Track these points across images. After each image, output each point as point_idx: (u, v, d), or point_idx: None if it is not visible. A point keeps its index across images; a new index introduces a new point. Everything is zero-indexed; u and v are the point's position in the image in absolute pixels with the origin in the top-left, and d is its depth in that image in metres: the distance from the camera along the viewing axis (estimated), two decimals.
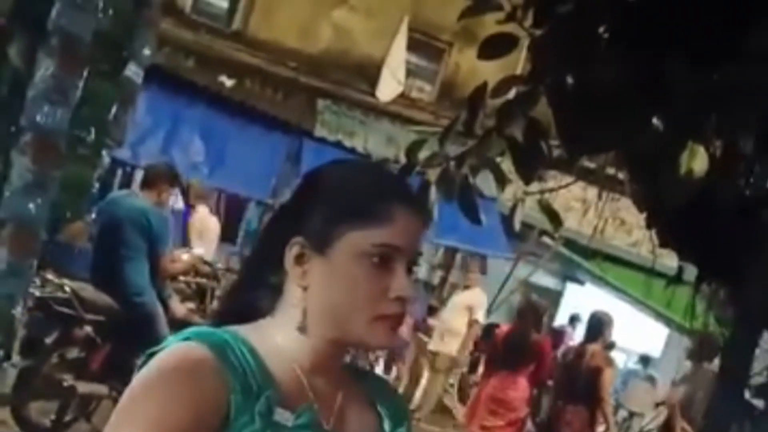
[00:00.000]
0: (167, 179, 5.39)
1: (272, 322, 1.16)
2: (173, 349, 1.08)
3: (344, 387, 1.19)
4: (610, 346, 6.50)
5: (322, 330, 1.14)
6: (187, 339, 1.09)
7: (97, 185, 3.44)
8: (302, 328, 1.14)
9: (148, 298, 5.07)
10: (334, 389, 1.17)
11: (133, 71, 3.34)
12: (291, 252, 1.14)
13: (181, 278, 6.25)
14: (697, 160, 2.38)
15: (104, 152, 3.36)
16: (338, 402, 1.17)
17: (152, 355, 1.10)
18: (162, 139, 8.17)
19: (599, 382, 6.19)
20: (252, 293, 1.18)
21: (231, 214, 9.70)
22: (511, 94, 2.85)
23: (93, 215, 5.16)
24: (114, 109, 3.28)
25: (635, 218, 10.10)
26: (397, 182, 1.25)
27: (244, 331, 1.13)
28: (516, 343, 6.55)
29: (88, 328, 4.86)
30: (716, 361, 5.53)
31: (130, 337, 4.76)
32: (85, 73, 3.06)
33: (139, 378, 1.08)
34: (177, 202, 6.83)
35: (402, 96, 11.19)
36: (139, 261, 5.08)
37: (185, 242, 7.02)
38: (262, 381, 1.09)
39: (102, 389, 4.98)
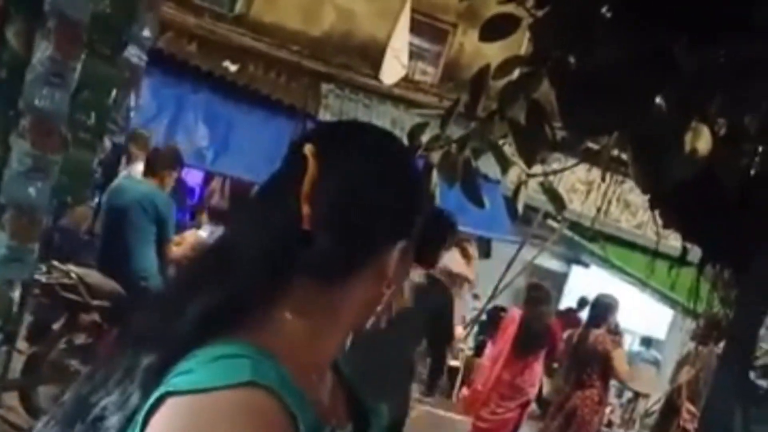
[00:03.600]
0: (171, 163, 5.39)
1: (285, 324, 0.99)
2: (239, 402, 0.86)
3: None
4: (614, 329, 6.51)
5: (344, 330, 1.06)
6: (245, 382, 0.87)
7: (99, 170, 3.43)
8: (321, 330, 1.02)
9: (155, 283, 5.08)
10: (325, 386, 1.07)
11: (134, 54, 3.31)
12: (395, 252, 1.04)
13: (186, 262, 6.26)
14: (701, 140, 2.36)
15: (106, 137, 3.35)
16: (329, 397, 1.06)
17: (168, 395, 0.88)
18: (166, 125, 8.17)
19: (611, 365, 6.21)
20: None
21: (236, 199, 9.72)
22: (514, 75, 2.83)
23: (95, 200, 5.17)
24: (114, 93, 3.26)
25: (640, 199, 10.08)
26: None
27: (260, 339, 0.95)
28: (532, 329, 6.57)
29: (94, 314, 4.88)
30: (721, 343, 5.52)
31: (129, 319, 4.76)
32: (83, 56, 3.04)
33: None
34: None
35: (405, 79, 11.15)
36: (146, 245, 5.11)
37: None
38: (311, 411, 0.93)
39: None
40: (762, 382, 2.64)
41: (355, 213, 1.00)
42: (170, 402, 0.86)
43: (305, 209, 0.98)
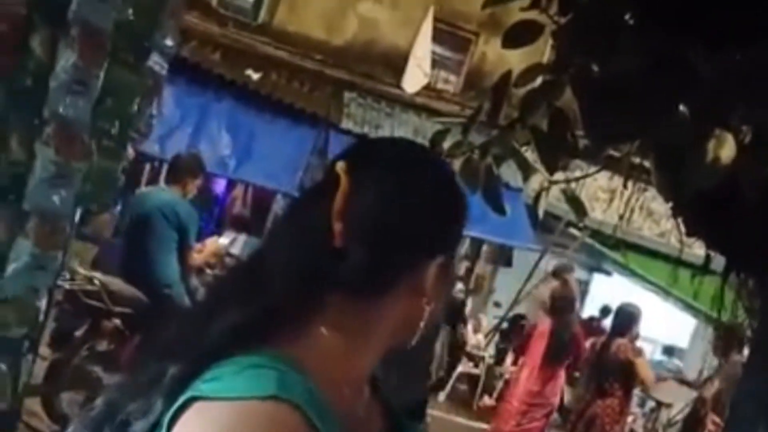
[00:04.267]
0: (193, 170, 5.42)
1: (318, 338, 0.99)
2: (262, 414, 0.86)
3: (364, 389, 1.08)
4: (635, 337, 6.46)
5: (382, 347, 1.04)
6: (270, 395, 0.86)
7: (122, 178, 3.45)
8: (357, 345, 1.01)
9: (177, 291, 5.11)
10: (361, 398, 1.05)
11: (156, 62, 3.33)
12: (431, 272, 1.03)
13: (209, 271, 6.29)
14: (725, 148, 2.34)
15: (129, 144, 3.37)
16: (364, 412, 1.05)
17: (194, 399, 0.88)
18: (190, 133, 8.22)
19: (635, 373, 6.16)
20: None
21: (258, 207, 9.76)
22: (537, 83, 2.82)
23: (119, 208, 5.21)
24: (138, 101, 3.28)
25: (663, 208, 10.00)
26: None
27: (292, 352, 0.94)
28: (561, 338, 6.55)
29: (116, 321, 4.91)
30: (746, 353, 5.46)
31: (158, 330, 4.79)
32: (106, 64, 3.06)
33: None
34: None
35: (428, 87, 11.16)
36: (169, 253, 5.13)
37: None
38: (338, 427, 0.91)
39: None
40: None
41: (386, 228, 1.00)
42: (196, 406, 0.87)
43: (337, 226, 0.98)
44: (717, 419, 6.14)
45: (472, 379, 10.29)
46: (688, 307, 11.89)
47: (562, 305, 6.80)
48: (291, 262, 0.98)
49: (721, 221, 2.65)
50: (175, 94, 7.96)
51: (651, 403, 11.38)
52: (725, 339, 6.58)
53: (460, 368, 10.09)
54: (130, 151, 3.42)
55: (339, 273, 0.97)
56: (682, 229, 2.87)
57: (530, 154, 3.20)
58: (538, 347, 6.75)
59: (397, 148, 1.10)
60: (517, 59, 3.15)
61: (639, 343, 6.63)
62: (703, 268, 2.98)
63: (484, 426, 7.74)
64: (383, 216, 1.00)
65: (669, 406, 10.89)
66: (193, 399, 0.88)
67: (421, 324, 1.03)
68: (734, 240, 2.68)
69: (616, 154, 3.79)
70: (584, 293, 14.45)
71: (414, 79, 10.72)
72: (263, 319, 0.95)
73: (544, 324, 6.87)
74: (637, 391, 7.05)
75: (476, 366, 10.23)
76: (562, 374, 6.71)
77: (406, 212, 1.01)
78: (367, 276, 0.98)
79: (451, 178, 1.11)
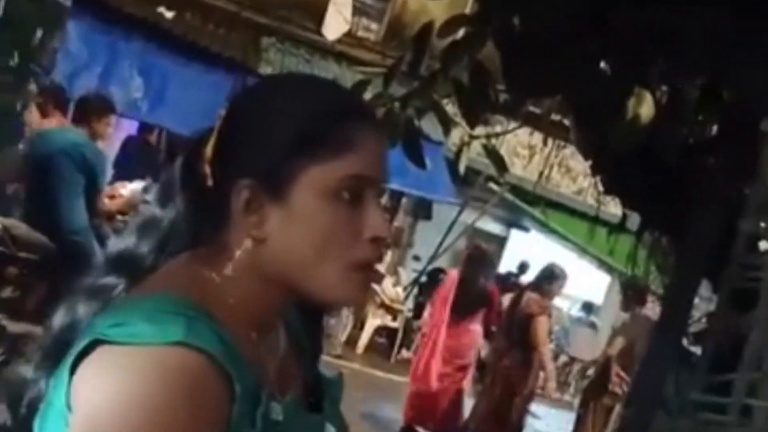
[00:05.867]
0: (102, 111, 5.17)
1: (217, 280, 0.95)
2: (170, 360, 0.83)
3: (280, 336, 1.05)
4: (548, 295, 6.59)
5: (281, 288, 0.96)
6: (178, 341, 0.83)
7: (25, 115, 3.26)
8: (256, 287, 0.96)
9: (86, 238, 4.90)
10: (275, 344, 1.02)
11: None
12: (239, 198, 0.93)
13: (119, 217, 6.08)
14: (644, 106, 2.35)
15: (31, 80, 3.18)
16: (280, 358, 1.01)
17: (98, 342, 0.85)
18: (99, 73, 7.85)
19: (532, 330, 6.29)
20: (176, 246, 0.98)
21: (172, 153, 9.46)
22: (459, 35, 2.78)
23: (21, 146, 4.95)
24: (39, 34, 3.08)
25: (581, 165, 10.18)
26: (353, 98, 1.01)
27: (196, 293, 0.91)
28: (467, 290, 6.59)
29: (21, 267, 4.71)
30: (656, 309, 5.65)
31: (66, 278, 4.62)
32: None
33: (117, 402, 0.82)
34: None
35: (348, 35, 10.96)
36: (76, 198, 4.89)
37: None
38: (249, 373, 0.89)
39: (36, 330, 4.85)
40: (695, 349, 2.68)
41: (229, 157, 0.96)
42: (100, 350, 0.84)
43: (206, 168, 0.96)
44: (622, 373, 6.35)
45: (390, 333, 10.38)
46: (604, 265, 12.23)
47: (473, 256, 6.88)
48: (185, 206, 0.98)
49: (637, 180, 2.68)
50: (82, 31, 7.61)
51: (564, 358, 11.76)
52: (631, 295, 6.81)
53: (378, 321, 10.16)
54: (33, 87, 3.23)
55: (223, 214, 0.95)
56: (600, 187, 2.89)
57: (451, 108, 3.17)
58: (444, 297, 6.82)
59: (265, 83, 1.07)
60: (439, 9, 3.09)
61: (556, 300, 6.78)
62: (619, 227, 3.02)
63: (402, 379, 7.82)
64: (226, 145, 0.96)
65: (582, 361, 11.28)
66: (98, 342, 0.84)
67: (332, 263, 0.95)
68: (649, 199, 2.71)
69: (537, 110, 3.80)
70: (502, 249, 14.70)
71: (334, 25, 10.51)
72: (165, 262, 0.96)
73: (454, 275, 6.94)
74: (552, 345, 7.22)
75: (395, 319, 10.32)
76: (476, 329, 6.75)
77: (252, 136, 0.96)
78: (234, 213, 0.95)
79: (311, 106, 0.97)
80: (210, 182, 0.96)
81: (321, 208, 0.93)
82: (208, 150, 0.97)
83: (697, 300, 2.64)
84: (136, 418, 0.81)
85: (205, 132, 1.00)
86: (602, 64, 2.41)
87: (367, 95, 2.91)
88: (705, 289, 2.79)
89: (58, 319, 0.96)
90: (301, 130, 0.93)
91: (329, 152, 0.93)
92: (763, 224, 2.40)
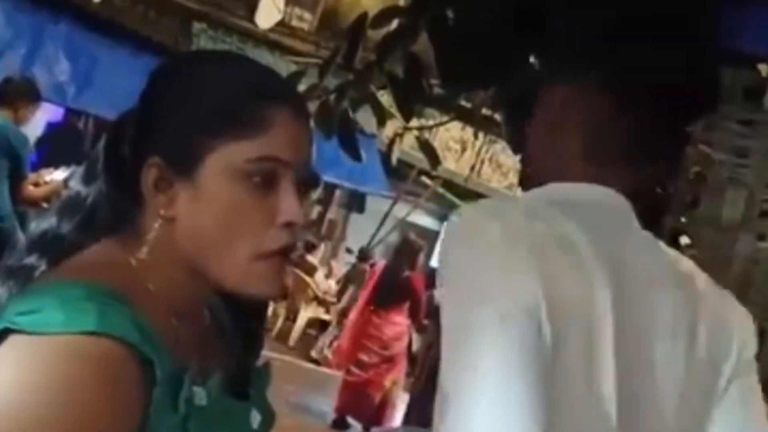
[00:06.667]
0: (26, 95, 5.02)
1: (134, 264, 0.93)
2: (83, 349, 0.80)
3: (202, 322, 1.04)
4: None
5: (199, 275, 0.93)
6: (91, 330, 0.81)
7: None
8: (175, 273, 0.94)
9: (9, 224, 4.76)
10: (197, 329, 1.00)
11: None
12: (148, 176, 0.92)
13: (45, 205, 5.91)
14: None
15: None
16: (202, 344, 1.00)
17: (8, 331, 0.82)
18: (23, 55, 7.61)
19: None
20: (99, 226, 0.96)
21: (98, 139, 9.22)
22: (393, 26, 2.78)
23: None
24: None
25: (512, 161, 10.34)
26: (273, 78, 0.97)
27: (113, 279, 0.88)
28: (388, 281, 6.62)
29: None
30: None
31: None
32: None
33: (21, 392, 0.79)
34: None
35: (282, 24, 10.87)
36: (0, 184, 4.76)
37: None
38: (170, 358, 0.87)
39: None
40: None
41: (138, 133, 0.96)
42: (11, 339, 0.82)
43: (126, 148, 0.96)
44: None
45: (322, 325, 10.37)
46: None
47: (400, 249, 6.92)
48: (107, 186, 0.97)
49: None
50: (6, 10, 7.37)
51: None
52: None
53: (310, 313, 10.13)
54: None
55: (139, 194, 0.95)
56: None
57: (386, 99, 3.18)
58: (368, 289, 6.86)
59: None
60: (373, 1, 3.09)
61: None
62: None
63: (335, 372, 7.82)
64: (142, 122, 0.96)
65: None
66: (8, 331, 0.82)
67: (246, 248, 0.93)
68: None
69: (468, 105, 3.83)
70: (434, 243, 14.81)
71: (267, 13, 10.39)
72: (83, 245, 0.94)
73: (379, 267, 6.99)
74: None
75: (327, 312, 10.31)
76: (401, 321, 6.78)
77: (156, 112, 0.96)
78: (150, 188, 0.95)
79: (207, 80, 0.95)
80: (129, 162, 0.95)
81: (230, 189, 0.91)
82: (129, 129, 0.96)
83: None
84: (42, 409, 0.78)
85: (131, 110, 0.98)
86: (532, 59, 2.44)
87: (301, 87, 2.90)
88: None
89: None
90: (212, 107, 0.91)
91: (241, 131, 0.90)
92: (684, 219, 2.46)
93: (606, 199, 1.04)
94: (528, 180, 1.13)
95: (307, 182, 0.97)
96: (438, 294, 1.01)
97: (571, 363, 0.91)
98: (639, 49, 1.05)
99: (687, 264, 1.12)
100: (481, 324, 0.89)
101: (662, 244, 1.11)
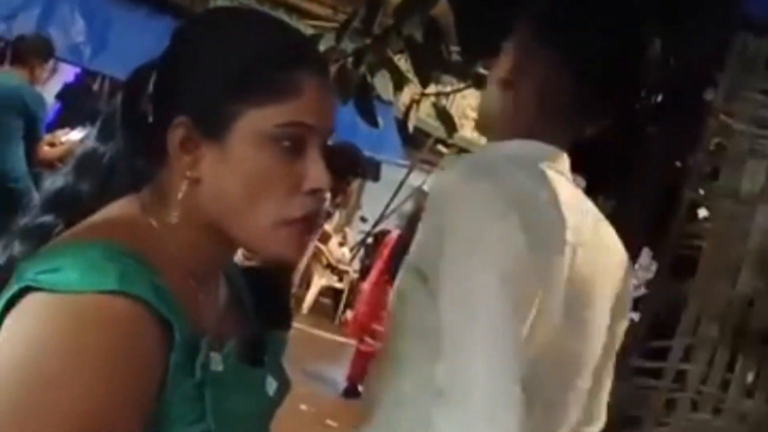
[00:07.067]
0: (41, 53, 4.99)
1: (155, 226, 0.92)
2: (105, 308, 0.81)
3: (220, 289, 1.03)
4: None
5: (221, 237, 0.93)
6: (113, 289, 0.81)
7: None
8: (196, 235, 0.93)
9: (24, 185, 4.77)
10: (215, 296, 1.00)
11: None
12: (175, 135, 0.90)
13: (60, 165, 5.92)
14: None
15: None
16: (220, 311, 1.00)
17: (29, 289, 0.82)
18: (38, 15, 7.58)
19: None
20: (117, 185, 0.95)
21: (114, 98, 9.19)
22: None
23: None
24: None
25: None
26: (303, 42, 0.97)
27: (133, 239, 0.87)
28: (403, 251, 6.61)
29: None
30: None
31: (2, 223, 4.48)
32: None
33: (42, 349, 0.79)
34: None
35: None
36: (15, 144, 4.76)
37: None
38: (188, 321, 0.87)
39: None
40: (633, 315, 2.72)
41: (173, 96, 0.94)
42: (31, 297, 0.82)
43: (146, 104, 0.94)
44: None
45: (336, 293, 10.40)
46: None
47: (415, 217, 6.89)
48: (125, 143, 0.95)
49: (583, 146, 2.69)
50: None
51: None
52: None
53: (324, 282, 10.16)
54: None
55: (161, 153, 0.93)
56: None
57: (403, 64, 3.15)
58: (383, 256, 6.84)
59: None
60: None
61: None
62: None
63: (347, 340, 7.85)
64: (166, 79, 0.95)
65: None
66: (29, 289, 0.82)
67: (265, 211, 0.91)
68: (594, 165, 2.72)
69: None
70: None
71: None
72: (107, 202, 0.93)
73: (393, 235, 6.95)
74: None
75: (341, 280, 10.33)
76: None
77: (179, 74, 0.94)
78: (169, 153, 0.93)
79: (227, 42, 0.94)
80: (150, 119, 0.93)
81: (257, 153, 0.89)
82: (150, 85, 0.94)
83: (636, 267, 2.68)
84: (61, 366, 0.78)
85: (148, 66, 0.96)
86: None
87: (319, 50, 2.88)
88: (645, 257, 2.83)
89: None
90: (244, 70, 0.89)
91: (272, 96, 0.89)
92: (702, 192, 2.43)
93: (553, 157, 1.31)
94: (485, 129, 1.39)
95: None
96: (420, 248, 1.27)
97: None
98: (598, 31, 1.28)
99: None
100: (483, 284, 1.09)
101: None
